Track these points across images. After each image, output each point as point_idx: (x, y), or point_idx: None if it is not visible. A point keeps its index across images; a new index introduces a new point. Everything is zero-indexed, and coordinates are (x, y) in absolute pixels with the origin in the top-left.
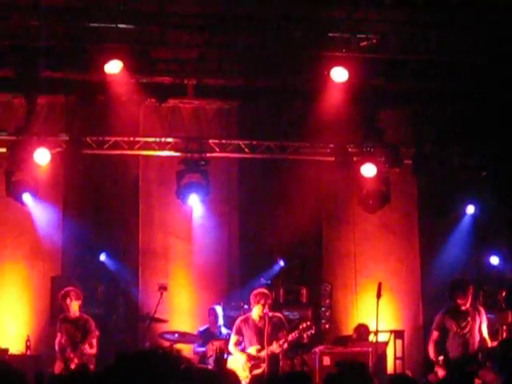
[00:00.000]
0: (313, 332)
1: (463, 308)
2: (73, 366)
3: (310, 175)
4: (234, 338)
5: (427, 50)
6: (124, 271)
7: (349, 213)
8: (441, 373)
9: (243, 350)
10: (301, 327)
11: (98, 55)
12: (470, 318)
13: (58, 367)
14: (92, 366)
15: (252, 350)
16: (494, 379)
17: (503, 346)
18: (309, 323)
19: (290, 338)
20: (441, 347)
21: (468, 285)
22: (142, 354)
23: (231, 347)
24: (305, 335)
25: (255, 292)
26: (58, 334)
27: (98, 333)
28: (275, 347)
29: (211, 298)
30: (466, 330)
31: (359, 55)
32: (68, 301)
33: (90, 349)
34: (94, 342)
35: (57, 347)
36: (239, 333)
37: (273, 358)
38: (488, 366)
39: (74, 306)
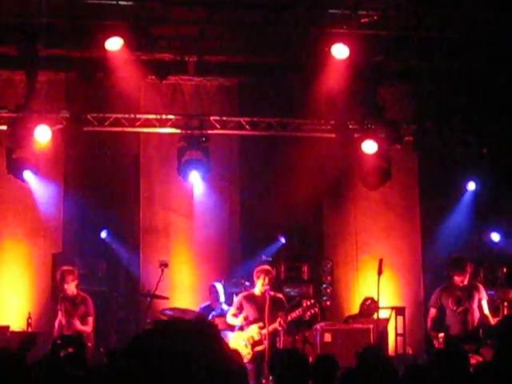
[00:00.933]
0: (316, 310)
1: (461, 285)
2: None
3: (310, 152)
4: (232, 310)
5: (428, 27)
6: (125, 248)
7: (350, 190)
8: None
9: (242, 328)
10: (304, 305)
11: (99, 32)
12: (467, 295)
13: None
14: (90, 344)
15: (254, 327)
16: None
17: (505, 322)
18: (312, 301)
19: (293, 315)
20: (440, 324)
21: (465, 262)
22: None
23: (229, 318)
24: (308, 313)
25: (258, 268)
26: (59, 313)
27: (94, 313)
28: (277, 324)
29: (212, 275)
30: (464, 307)
31: (360, 32)
32: (64, 283)
33: (83, 325)
34: (90, 320)
35: (56, 326)
36: (239, 308)
37: (274, 335)
38: (489, 343)
39: (71, 286)
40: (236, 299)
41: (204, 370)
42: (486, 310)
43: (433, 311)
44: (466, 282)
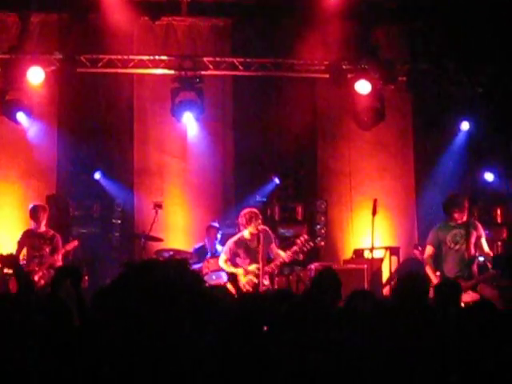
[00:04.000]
0: (312, 244)
1: (459, 222)
2: (36, 278)
3: (304, 92)
4: (223, 257)
5: None
6: (119, 189)
7: (343, 130)
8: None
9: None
10: (299, 242)
11: None
12: (465, 233)
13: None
14: None
15: (254, 268)
16: (492, 294)
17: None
18: (306, 236)
19: (290, 254)
20: (437, 262)
21: (464, 198)
22: (152, 263)
23: (222, 264)
24: (304, 249)
25: (245, 211)
26: (20, 249)
27: (63, 250)
28: (273, 266)
29: (206, 216)
30: (462, 245)
31: None
32: (40, 215)
33: (57, 261)
34: (60, 257)
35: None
36: (230, 253)
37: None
38: (487, 279)
39: (43, 223)
40: (226, 245)
41: (184, 295)
42: (486, 248)
43: (430, 249)
44: (464, 219)
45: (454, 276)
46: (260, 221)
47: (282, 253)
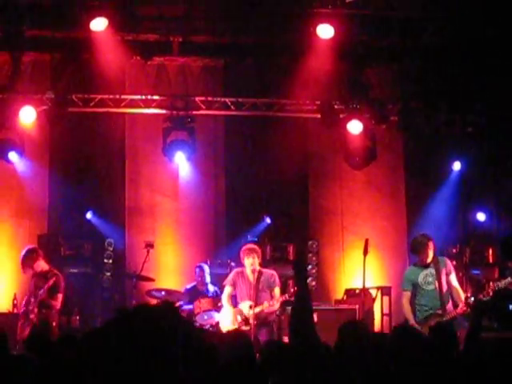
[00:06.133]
0: None
1: (427, 262)
2: (32, 316)
3: (296, 132)
4: (227, 289)
5: (413, 6)
6: (110, 229)
7: (335, 170)
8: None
9: (235, 305)
10: (292, 291)
11: (84, 12)
12: (435, 271)
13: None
14: (54, 323)
15: (244, 306)
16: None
17: (499, 295)
18: None
19: (280, 299)
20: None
21: (426, 239)
22: (143, 308)
23: (224, 299)
24: (293, 299)
25: (244, 247)
26: (28, 293)
27: (64, 292)
28: (265, 306)
29: (198, 256)
30: (433, 284)
31: (345, 11)
32: (37, 260)
33: (53, 301)
34: (60, 296)
35: (24, 302)
36: (233, 285)
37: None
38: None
39: (42, 262)
40: (230, 276)
41: (173, 347)
42: (455, 284)
43: (407, 294)
44: (430, 259)
45: (428, 315)
46: (254, 257)
47: (276, 304)
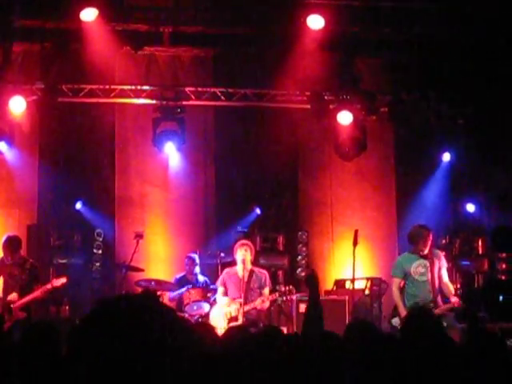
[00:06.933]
0: (293, 297)
1: (422, 253)
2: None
3: (286, 123)
4: (219, 289)
5: None
6: (100, 219)
7: (325, 160)
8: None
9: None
10: (283, 289)
11: (74, 3)
12: (428, 263)
13: None
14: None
15: (234, 304)
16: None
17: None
18: (291, 287)
19: (270, 298)
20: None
21: (429, 231)
22: (124, 297)
23: (219, 297)
24: (284, 298)
25: (239, 242)
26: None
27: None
28: (258, 303)
29: (187, 246)
30: (425, 276)
31: (335, 2)
32: (19, 248)
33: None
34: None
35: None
36: (223, 284)
37: (248, 316)
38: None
39: (20, 252)
40: (221, 276)
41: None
42: (446, 279)
43: (397, 281)
44: (427, 251)
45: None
46: (247, 250)
47: (267, 302)
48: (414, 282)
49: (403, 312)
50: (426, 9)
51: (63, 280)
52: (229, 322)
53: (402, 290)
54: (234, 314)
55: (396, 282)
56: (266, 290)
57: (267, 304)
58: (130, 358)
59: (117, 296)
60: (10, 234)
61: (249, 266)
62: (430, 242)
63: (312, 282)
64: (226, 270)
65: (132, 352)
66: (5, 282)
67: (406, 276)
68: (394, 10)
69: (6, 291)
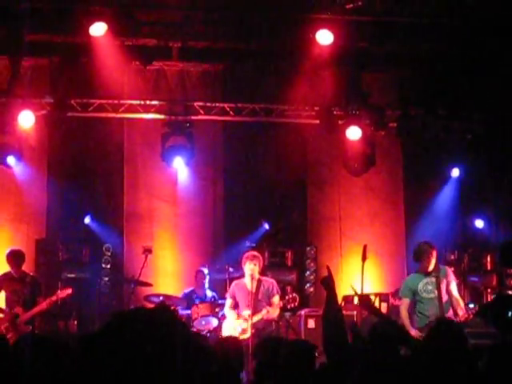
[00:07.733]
0: (296, 305)
1: (429, 270)
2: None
3: (295, 138)
4: (228, 301)
5: (413, 13)
6: (108, 234)
7: (334, 176)
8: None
9: (239, 314)
10: (287, 298)
11: (83, 17)
12: (435, 280)
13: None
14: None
15: (245, 314)
16: None
17: (499, 301)
18: (294, 295)
19: (280, 305)
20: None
21: (431, 247)
22: (140, 311)
23: (226, 310)
24: (288, 306)
25: (248, 253)
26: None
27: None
28: (264, 313)
29: (196, 261)
30: (433, 293)
31: (344, 18)
32: (22, 263)
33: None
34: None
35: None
36: (233, 297)
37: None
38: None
39: (22, 266)
40: (230, 288)
41: (170, 352)
42: (456, 294)
43: (405, 301)
44: (432, 267)
45: (430, 322)
46: (256, 264)
47: (275, 310)
48: (422, 300)
49: (411, 331)
50: (435, 24)
51: (69, 291)
52: (240, 335)
53: (411, 310)
54: (244, 327)
55: (404, 303)
56: (276, 299)
57: (277, 311)
58: (149, 369)
59: (133, 309)
60: (14, 248)
61: (256, 276)
62: (434, 259)
63: (327, 283)
64: (235, 282)
65: (150, 364)
66: (7, 298)
67: (415, 295)
68: (402, 26)
69: (10, 306)
